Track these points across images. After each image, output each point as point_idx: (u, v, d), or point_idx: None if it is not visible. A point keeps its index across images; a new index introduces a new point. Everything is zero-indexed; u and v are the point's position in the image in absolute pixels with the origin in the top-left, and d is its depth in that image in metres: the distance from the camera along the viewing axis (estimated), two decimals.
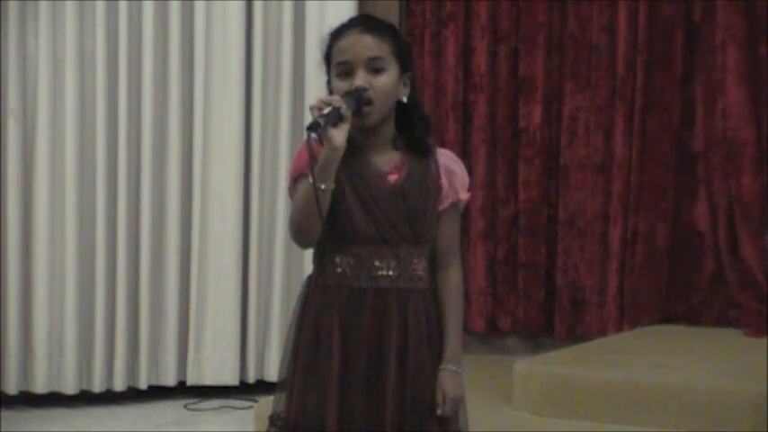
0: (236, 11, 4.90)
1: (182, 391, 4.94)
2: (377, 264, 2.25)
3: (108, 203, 4.80)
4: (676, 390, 3.60)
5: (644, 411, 3.62)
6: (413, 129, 2.31)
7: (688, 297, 4.71)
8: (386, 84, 2.24)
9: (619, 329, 4.65)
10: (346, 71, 2.24)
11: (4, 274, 4.73)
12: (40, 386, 4.77)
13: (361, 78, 2.21)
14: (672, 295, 4.73)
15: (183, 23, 4.88)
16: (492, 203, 4.99)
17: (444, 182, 2.32)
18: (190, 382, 4.93)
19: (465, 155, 4.92)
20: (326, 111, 2.11)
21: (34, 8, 4.76)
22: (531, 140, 4.92)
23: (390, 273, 2.25)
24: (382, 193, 2.25)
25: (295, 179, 2.25)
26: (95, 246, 4.79)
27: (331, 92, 2.27)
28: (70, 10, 4.75)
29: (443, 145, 2.45)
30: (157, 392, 4.92)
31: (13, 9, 4.73)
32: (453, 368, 2.29)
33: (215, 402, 4.87)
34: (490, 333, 5.03)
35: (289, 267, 4.94)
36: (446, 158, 2.35)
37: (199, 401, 4.88)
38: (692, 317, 4.67)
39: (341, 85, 2.24)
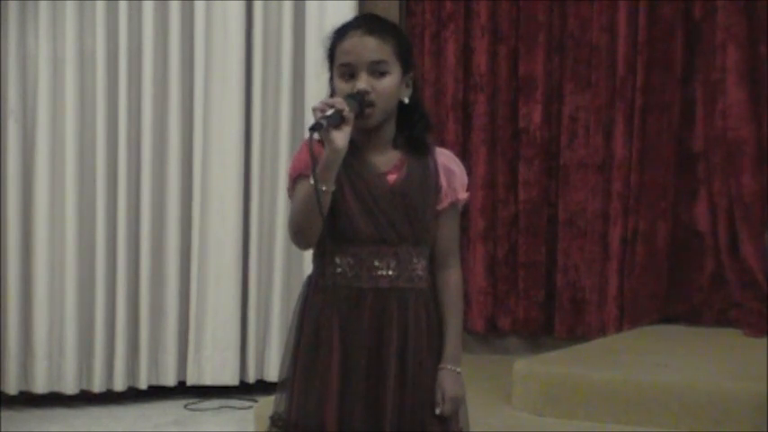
0: (236, 11, 4.90)
1: (182, 391, 4.94)
2: (376, 264, 2.25)
3: (108, 203, 4.81)
4: (676, 390, 3.60)
5: (644, 411, 3.62)
6: (413, 128, 2.31)
7: (688, 297, 4.71)
8: (388, 86, 2.24)
9: (619, 329, 4.65)
10: (349, 73, 2.24)
11: (4, 274, 4.74)
12: (40, 386, 4.77)
13: (363, 81, 2.22)
14: (672, 295, 4.73)
15: (183, 23, 4.88)
16: (492, 203, 4.99)
17: (443, 181, 2.32)
18: (190, 382, 4.93)
19: (465, 155, 4.92)
20: (329, 113, 2.11)
21: (34, 8, 4.76)
22: (531, 140, 4.92)
23: (390, 273, 2.26)
24: (381, 192, 2.25)
25: (294, 180, 2.26)
26: (95, 246, 4.79)
27: (333, 90, 2.27)
28: (70, 10, 4.76)
29: (443, 145, 2.45)
30: (157, 392, 4.92)
31: (13, 9, 4.74)
32: (453, 368, 2.29)
33: (215, 402, 4.87)
34: (490, 333, 5.03)
35: (289, 267, 4.94)
36: (445, 158, 2.35)
37: (199, 401, 4.88)
38: (692, 317, 4.67)
39: (343, 86, 2.24)
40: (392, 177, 2.27)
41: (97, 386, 4.82)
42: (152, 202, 4.85)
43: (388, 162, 2.28)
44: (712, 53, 4.64)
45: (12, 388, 4.76)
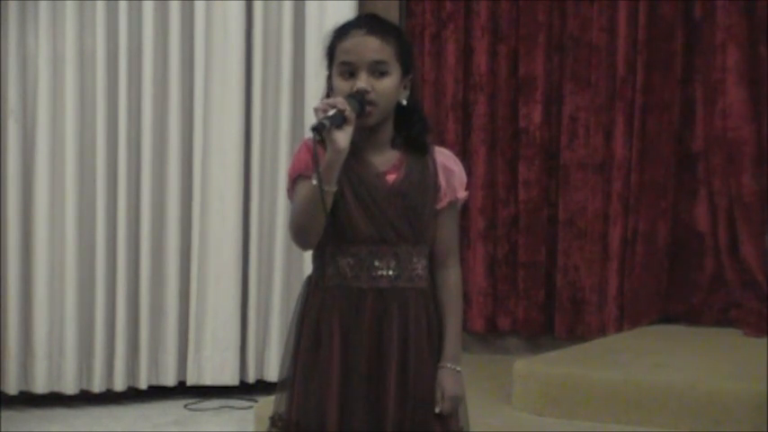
0: (236, 11, 4.90)
1: (182, 391, 4.94)
2: (376, 264, 2.25)
3: (108, 203, 4.80)
4: (676, 390, 3.60)
5: (644, 411, 3.62)
6: (411, 129, 2.31)
7: (688, 297, 4.71)
8: (388, 87, 2.24)
9: (619, 329, 4.65)
10: (349, 72, 2.24)
11: (4, 274, 4.73)
12: (40, 386, 4.77)
13: (363, 81, 2.22)
14: (672, 295, 4.73)
15: (183, 23, 4.88)
16: (492, 203, 4.99)
17: (442, 180, 2.32)
18: (190, 382, 4.93)
19: (465, 155, 4.92)
20: (331, 113, 2.11)
21: (34, 8, 4.76)
22: (531, 140, 4.92)
23: (390, 272, 2.26)
24: (381, 192, 2.25)
25: (294, 180, 2.26)
26: (95, 246, 4.79)
27: (331, 88, 2.27)
28: (70, 10, 4.75)
29: (443, 145, 2.45)
30: (157, 392, 4.92)
31: (13, 9, 4.73)
32: (452, 366, 2.30)
33: (215, 402, 4.87)
34: (490, 333, 5.03)
35: (289, 267, 4.94)
36: (444, 157, 2.35)
37: (199, 401, 4.88)
38: (692, 317, 4.67)
39: (343, 84, 2.24)
40: (391, 177, 2.27)
41: (97, 386, 4.82)
42: (152, 202, 4.85)
43: (386, 162, 2.28)
44: (712, 53, 4.64)
45: (12, 388, 4.76)
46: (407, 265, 2.27)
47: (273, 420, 2.33)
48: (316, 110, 2.14)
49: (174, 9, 4.87)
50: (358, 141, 2.22)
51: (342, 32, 2.27)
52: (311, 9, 4.94)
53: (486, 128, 4.98)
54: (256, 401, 4.63)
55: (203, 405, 4.85)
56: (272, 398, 2.40)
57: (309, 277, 2.33)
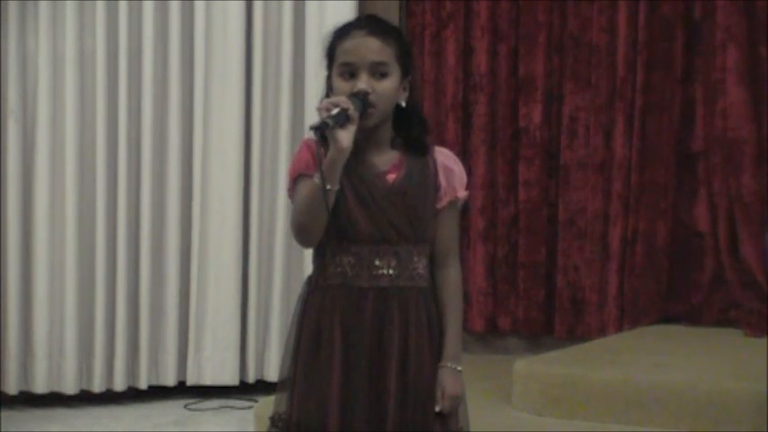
0: (236, 11, 4.90)
1: (182, 391, 4.94)
2: (377, 263, 2.25)
3: (108, 203, 4.80)
4: (676, 390, 3.60)
5: (644, 411, 3.62)
6: (410, 129, 2.31)
7: (688, 297, 4.71)
8: (388, 89, 2.24)
9: (619, 329, 4.65)
10: (350, 72, 2.24)
11: (4, 274, 4.73)
12: (40, 386, 4.77)
13: (363, 82, 2.22)
14: (672, 295, 4.73)
15: (183, 23, 4.88)
16: (492, 203, 4.99)
17: (442, 180, 2.32)
18: (190, 382, 4.93)
19: (465, 155, 4.92)
20: (334, 112, 2.12)
21: (34, 8, 4.76)
22: (531, 140, 4.92)
23: (390, 272, 2.26)
24: (381, 192, 2.25)
25: (294, 180, 2.26)
26: (95, 246, 4.79)
27: (330, 88, 2.28)
28: (70, 10, 4.75)
29: (443, 145, 2.45)
30: (157, 392, 4.92)
31: (13, 9, 4.73)
32: (453, 366, 2.30)
33: (215, 402, 4.87)
34: (490, 333, 5.03)
35: (289, 267, 4.94)
36: (444, 157, 2.35)
37: (199, 401, 4.88)
38: (692, 317, 4.67)
39: (343, 85, 2.24)
40: (391, 177, 2.27)
41: (97, 386, 4.82)
42: (152, 202, 4.85)
43: (387, 162, 2.29)
44: (712, 53, 4.64)
45: (12, 388, 4.76)
46: (408, 265, 2.27)
47: (274, 420, 2.33)
48: (319, 109, 2.14)
49: (174, 9, 4.87)
50: (358, 141, 2.22)
51: (342, 33, 2.27)
52: (311, 9, 4.94)
53: (486, 128, 4.98)
54: (256, 401, 4.63)
55: (203, 405, 4.85)
56: (272, 398, 2.39)
57: (310, 277, 2.33)
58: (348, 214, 2.23)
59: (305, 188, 2.20)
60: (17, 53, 4.76)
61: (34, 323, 4.76)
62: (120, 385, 4.83)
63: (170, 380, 4.91)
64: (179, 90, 4.88)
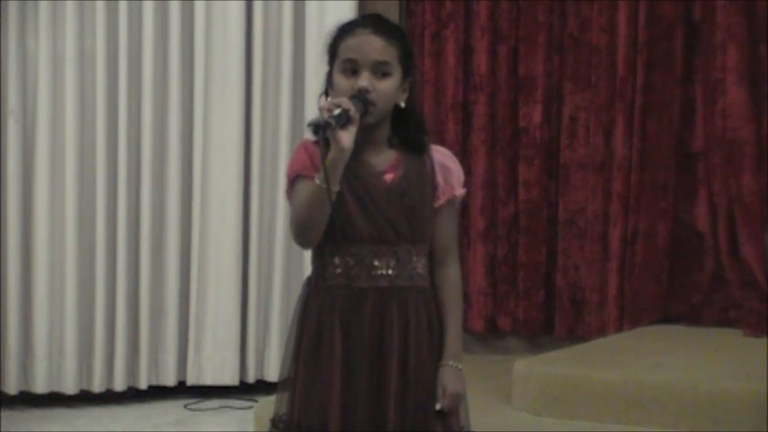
0: (236, 11, 4.90)
1: (182, 391, 4.94)
2: (376, 263, 2.25)
3: (108, 203, 4.80)
4: (676, 390, 3.60)
5: (644, 411, 3.61)
6: (408, 129, 2.31)
7: (688, 297, 4.71)
8: (388, 88, 2.24)
9: (619, 329, 4.65)
10: (352, 69, 2.24)
11: (4, 274, 4.73)
12: (40, 386, 4.77)
13: (365, 80, 2.22)
14: (672, 295, 4.73)
15: (183, 23, 4.88)
16: (492, 203, 4.99)
17: (440, 178, 2.32)
18: (190, 382, 4.93)
19: (465, 155, 4.92)
20: (336, 112, 2.12)
21: (34, 8, 4.76)
22: (531, 140, 4.92)
23: (390, 272, 2.26)
24: (379, 192, 2.25)
25: (292, 181, 2.26)
26: (95, 246, 4.79)
27: (330, 85, 2.28)
28: (70, 10, 4.75)
29: (443, 145, 2.45)
30: (157, 392, 4.92)
31: (13, 9, 4.73)
32: (454, 364, 2.30)
33: (215, 402, 4.87)
34: (490, 333, 5.03)
35: (289, 267, 4.94)
36: (441, 155, 2.35)
37: (199, 401, 4.88)
38: (692, 317, 4.67)
39: (344, 82, 2.24)
40: (389, 176, 2.28)
41: (97, 386, 4.82)
42: (152, 202, 4.85)
43: (384, 161, 2.29)
44: (712, 53, 4.64)
45: (12, 388, 4.76)
46: (407, 264, 2.27)
47: (274, 422, 2.33)
48: (320, 109, 2.14)
49: (174, 9, 4.87)
50: (356, 141, 2.21)
51: (346, 30, 2.27)
52: (311, 9, 4.94)
53: (486, 128, 4.98)
54: (256, 401, 4.63)
55: (203, 405, 4.85)
56: (272, 398, 2.39)
57: (309, 278, 2.33)
58: (346, 215, 2.23)
59: (305, 189, 2.20)
60: (17, 53, 4.76)
61: (34, 323, 4.76)
62: (120, 385, 4.83)
63: (170, 380, 4.91)
64: (179, 90, 4.88)
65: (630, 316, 4.68)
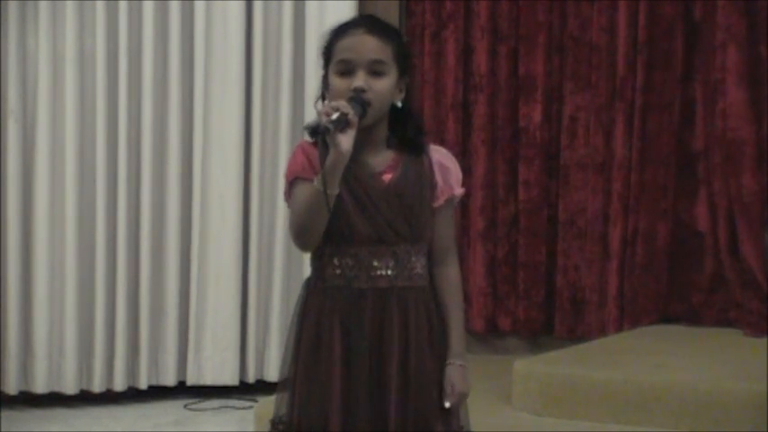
0: (236, 11, 4.90)
1: (182, 391, 4.94)
2: (375, 264, 2.25)
3: (108, 203, 4.80)
4: (676, 390, 3.60)
5: (644, 411, 3.62)
6: (405, 130, 2.31)
7: (688, 297, 4.71)
8: (384, 88, 2.24)
9: (619, 329, 4.65)
10: (347, 70, 2.24)
11: (4, 274, 4.73)
12: (40, 386, 4.77)
13: (360, 80, 2.22)
14: (672, 295, 4.73)
15: (183, 23, 4.88)
16: (492, 203, 4.99)
17: (438, 178, 2.32)
18: (190, 382, 4.93)
19: (465, 155, 4.92)
20: (335, 116, 2.12)
21: (34, 8, 4.76)
22: (531, 140, 4.92)
23: (389, 272, 2.26)
24: (378, 192, 2.25)
25: (291, 183, 2.26)
26: (95, 246, 4.79)
27: (326, 87, 2.28)
28: (70, 10, 4.75)
29: (443, 145, 2.45)
30: (157, 392, 4.92)
31: (13, 9, 4.73)
32: (460, 363, 2.30)
33: (215, 402, 4.87)
34: (490, 333, 5.03)
35: (289, 267, 4.94)
36: (439, 155, 2.35)
37: (199, 401, 4.88)
38: (692, 317, 4.67)
39: (339, 83, 2.24)
40: (387, 177, 2.27)
41: (97, 386, 4.82)
42: (152, 202, 4.85)
43: (382, 162, 2.29)
44: (712, 53, 4.64)
45: (12, 388, 4.76)
46: (406, 265, 2.27)
47: (274, 423, 2.33)
48: (319, 113, 2.14)
49: (174, 9, 4.87)
50: (354, 142, 2.21)
51: (341, 31, 2.28)
52: (311, 9, 4.94)
53: (486, 128, 4.98)
54: (256, 401, 4.63)
55: (203, 405, 4.85)
56: (272, 398, 2.39)
57: (308, 279, 2.33)
58: (345, 216, 2.23)
59: (304, 192, 2.20)
60: (17, 53, 4.76)
61: (34, 323, 4.76)
62: (120, 385, 4.83)
63: (170, 380, 4.91)
64: (179, 90, 4.88)
65: (630, 316, 4.68)
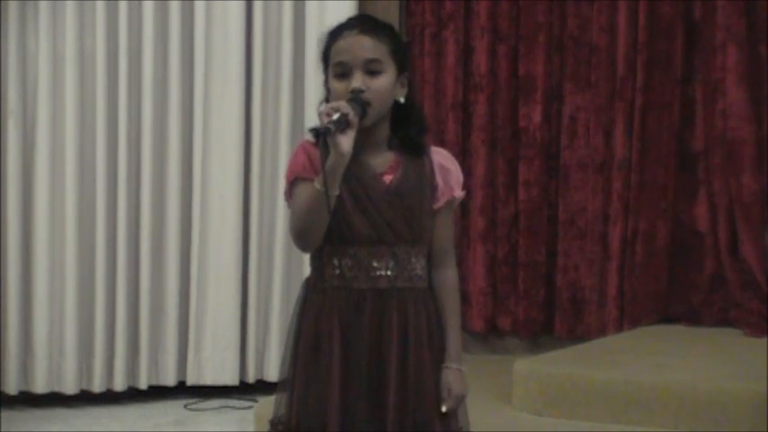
0: (236, 11, 4.90)
1: (182, 391, 4.94)
2: (375, 264, 2.25)
3: (108, 203, 4.80)
4: (676, 390, 3.60)
5: (644, 411, 3.62)
6: (408, 129, 2.31)
7: (688, 297, 4.71)
8: (382, 86, 2.24)
9: (619, 329, 4.65)
10: (344, 72, 2.24)
11: (4, 274, 4.73)
12: (40, 386, 4.77)
13: (358, 80, 2.22)
14: (672, 295, 4.73)
15: (183, 23, 4.88)
16: (492, 203, 4.99)
17: (439, 180, 2.32)
18: (190, 382, 4.93)
19: (465, 155, 4.92)
20: (335, 117, 2.11)
21: (34, 8, 4.76)
22: (531, 140, 4.92)
23: (389, 273, 2.26)
24: (378, 193, 2.25)
25: (292, 183, 2.26)
26: (95, 246, 4.79)
27: (329, 91, 2.28)
28: (70, 10, 4.75)
29: (443, 145, 2.45)
30: (157, 392, 4.92)
31: (13, 9, 4.73)
32: (457, 366, 2.31)
33: (215, 402, 4.87)
34: (490, 333, 5.03)
35: (289, 267, 4.94)
36: (440, 157, 2.35)
37: (199, 401, 4.88)
38: (692, 317, 4.67)
39: (338, 85, 2.24)
40: (388, 178, 2.27)
41: (97, 386, 4.82)
42: (152, 202, 4.85)
43: (383, 163, 2.29)
44: (712, 53, 4.64)
45: (12, 388, 4.76)
46: (406, 266, 2.27)
47: (273, 423, 2.33)
48: (320, 114, 2.14)
49: (174, 9, 4.87)
50: (355, 142, 2.21)
51: (335, 34, 2.28)
52: (311, 9, 4.94)
53: (486, 128, 4.98)
54: (256, 401, 4.63)
55: (203, 405, 4.85)
56: (272, 398, 2.39)
57: (307, 279, 2.33)
58: (345, 216, 2.23)
59: (304, 193, 2.20)
60: (17, 53, 4.76)
61: (34, 323, 4.76)
62: (120, 385, 4.83)
63: (170, 380, 4.91)
64: (179, 90, 4.88)
65: (630, 316, 4.68)
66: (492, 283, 4.99)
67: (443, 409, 2.27)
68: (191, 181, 4.91)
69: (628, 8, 4.71)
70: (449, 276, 2.35)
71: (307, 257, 2.36)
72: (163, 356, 4.91)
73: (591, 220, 4.81)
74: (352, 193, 2.23)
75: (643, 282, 4.69)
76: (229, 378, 4.93)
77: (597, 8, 4.80)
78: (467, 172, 4.79)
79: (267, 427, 2.36)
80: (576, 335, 4.78)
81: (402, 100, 2.30)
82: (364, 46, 2.23)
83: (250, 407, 4.67)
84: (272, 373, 4.91)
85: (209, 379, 4.93)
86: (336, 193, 2.16)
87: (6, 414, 4.66)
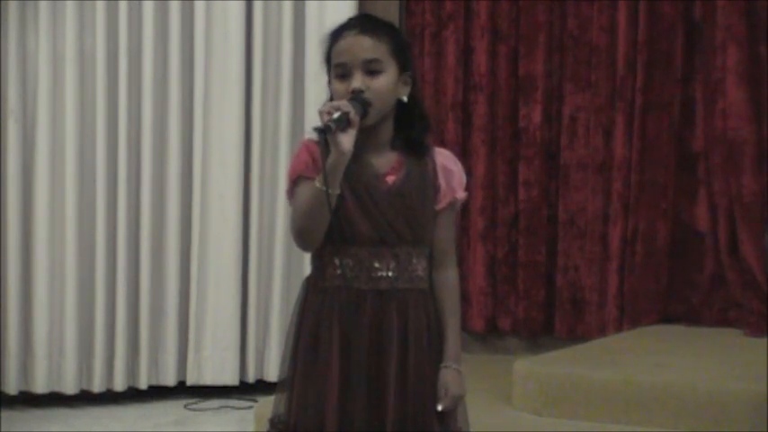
0: (236, 11, 4.90)
1: (182, 391, 4.94)
2: (376, 265, 2.25)
3: (108, 203, 4.81)
4: (676, 390, 3.59)
5: (644, 411, 3.61)
6: (411, 128, 2.31)
7: (688, 297, 4.71)
8: (383, 85, 2.24)
9: (619, 329, 4.65)
10: (344, 73, 2.24)
11: (4, 274, 4.73)
12: (40, 386, 4.77)
13: (358, 81, 2.22)
14: (672, 295, 4.73)
15: (183, 23, 4.89)
16: (492, 203, 4.99)
17: (442, 181, 2.32)
18: (190, 382, 4.93)
19: (465, 155, 4.92)
20: (336, 116, 2.11)
21: (34, 8, 4.76)
22: (531, 140, 4.92)
23: (390, 274, 2.26)
24: (380, 194, 2.25)
25: (294, 182, 2.26)
26: (95, 246, 4.79)
27: (332, 93, 2.27)
28: (70, 10, 4.76)
29: (443, 145, 2.45)
30: (157, 392, 4.92)
31: (13, 9, 4.74)
32: (455, 366, 2.30)
33: (215, 402, 4.87)
34: (490, 333, 5.04)
35: (289, 267, 4.94)
36: (443, 158, 2.35)
37: (199, 401, 4.88)
38: (692, 317, 4.67)
39: (339, 86, 2.24)
40: (391, 178, 2.27)
41: (97, 386, 4.82)
42: (152, 202, 4.85)
43: (386, 163, 2.28)
44: (712, 53, 4.64)
45: (12, 388, 4.76)
46: (407, 266, 2.27)
47: (273, 423, 2.33)
48: (321, 113, 2.14)
49: (174, 9, 4.87)
50: (357, 142, 2.21)
51: (335, 35, 2.28)
52: (311, 9, 4.94)
53: (486, 128, 4.98)
54: (256, 401, 4.63)
55: (203, 405, 4.85)
56: (272, 398, 2.39)
57: (308, 279, 2.33)
58: (347, 216, 2.23)
59: (305, 192, 2.20)
60: (17, 53, 4.76)
61: (34, 323, 4.76)
62: (120, 385, 4.83)
63: (170, 380, 4.92)
64: (179, 90, 4.88)
65: (630, 316, 4.68)
66: (492, 282, 5.00)
67: (439, 408, 2.27)
68: (191, 181, 4.91)
69: (628, 8, 4.71)
70: (449, 277, 2.35)
71: (307, 257, 2.36)
72: (163, 356, 4.91)
73: (591, 220, 4.81)
74: (355, 194, 2.23)
75: (643, 282, 4.69)
76: (229, 378, 4.93)
77: (597, 8, 4.80)
78: (467, 172, 4.74)
79: (267, 426, 2.36)
80: (576, 335, 4.78)
81: (405, 99, 2.29)
82: (363, 46, 2.23)
83: (250, 407, 4.67)
84: (272, 373, 4.91)
85: (209, 379, 4.93)
86: (337, 191, 2.16)
87: (6, 414, 4.66)
